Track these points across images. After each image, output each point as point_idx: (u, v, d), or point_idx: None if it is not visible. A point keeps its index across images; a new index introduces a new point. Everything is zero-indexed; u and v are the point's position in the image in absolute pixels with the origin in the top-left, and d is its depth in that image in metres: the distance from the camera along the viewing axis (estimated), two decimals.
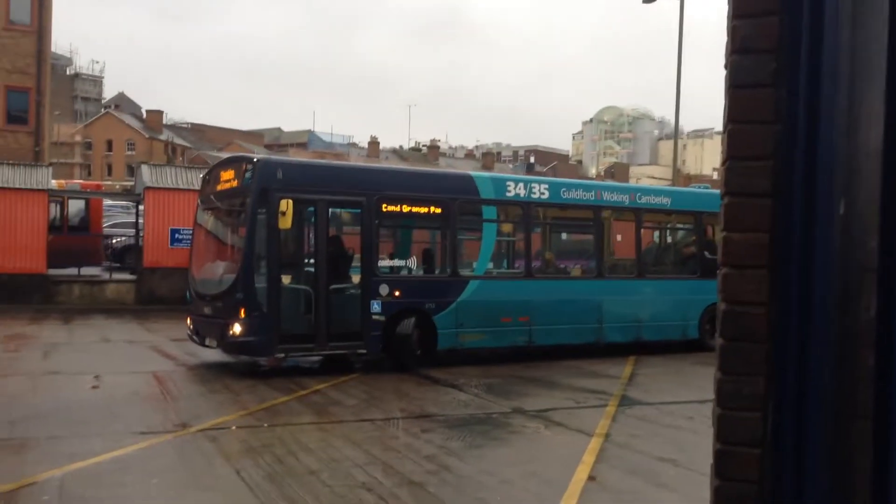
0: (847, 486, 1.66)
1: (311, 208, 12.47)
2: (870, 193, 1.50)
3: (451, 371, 12.49)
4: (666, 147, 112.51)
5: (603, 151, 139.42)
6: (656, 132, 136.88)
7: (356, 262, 12.78)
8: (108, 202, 31.16)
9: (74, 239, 24.86)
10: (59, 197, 25.27)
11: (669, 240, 18.06)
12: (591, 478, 6.87)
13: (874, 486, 1.49)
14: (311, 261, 12.61)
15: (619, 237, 16.57)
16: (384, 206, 12.80)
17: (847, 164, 1.63)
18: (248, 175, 11.97)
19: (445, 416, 9.45)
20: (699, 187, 19.88)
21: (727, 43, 1.90)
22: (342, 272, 12.63)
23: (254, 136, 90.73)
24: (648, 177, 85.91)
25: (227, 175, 12.77)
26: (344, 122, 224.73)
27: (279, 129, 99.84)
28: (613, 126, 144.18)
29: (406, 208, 13.52)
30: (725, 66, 1.92)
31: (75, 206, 26.47)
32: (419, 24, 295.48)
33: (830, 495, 1.67)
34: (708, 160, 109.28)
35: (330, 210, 12.66)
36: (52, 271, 21.72)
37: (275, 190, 11.60)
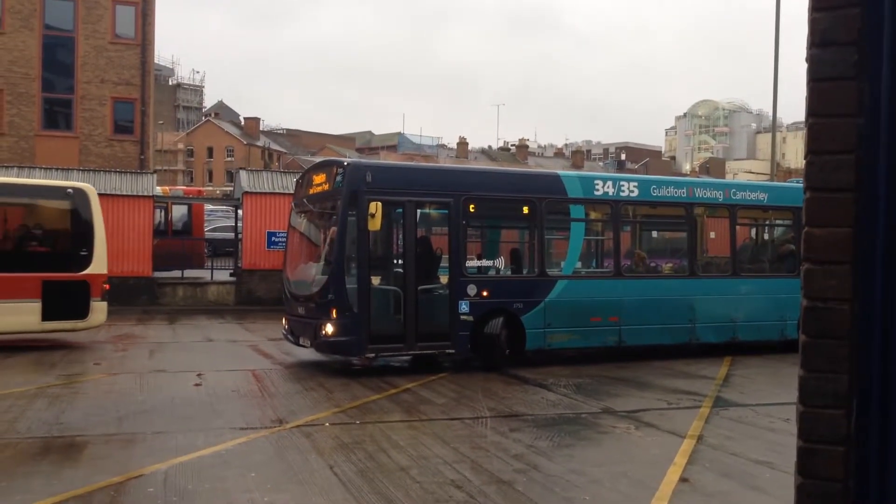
0: None
1: (400, 210, 12.65)
2: None
3: (540, 371, 12.46)
4: (764, 140, 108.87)
5: (697, 146, 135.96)
6: (753, 125, 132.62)
7: (444, 263, 12.89)
8: (209, 207, 32.44)
9: (178, 242, 25.98)
10: (164, 202, 26.43)
11: (766, 237, 17.49)
12: (682, 479, 6.76)
13: None
14: (400, 262, 12.80)
15: (712, 234, 16.17)
16: (471, 206, 12.88)
17: None
18: (338, 178, 12.25)
19: (534, 415, 9.45)
20: (797, 182, 19.17)
21: (808, 36, 1.88)
22: (430, 273, 12.77)
23: (346, 139, 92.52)
24: (746, 172, 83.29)
25: (319, 179, 13.10)
26: (433, 123, 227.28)
27: (370, 133, 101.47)
28: (708, 120, 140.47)
29: (493, 208, 13.56)
30: (806, 60, 1.90)
31: (178, 211, 27.64)
32: (507, 19, 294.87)
33: None
34: None
35: (418, 211, 12.81)
36: (158, 273, 22.74)
37: (364, 192, 11.84)
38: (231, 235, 27.28)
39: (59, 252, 14.74)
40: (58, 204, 14.76)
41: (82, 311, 14.11)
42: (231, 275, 24.37)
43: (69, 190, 14.63)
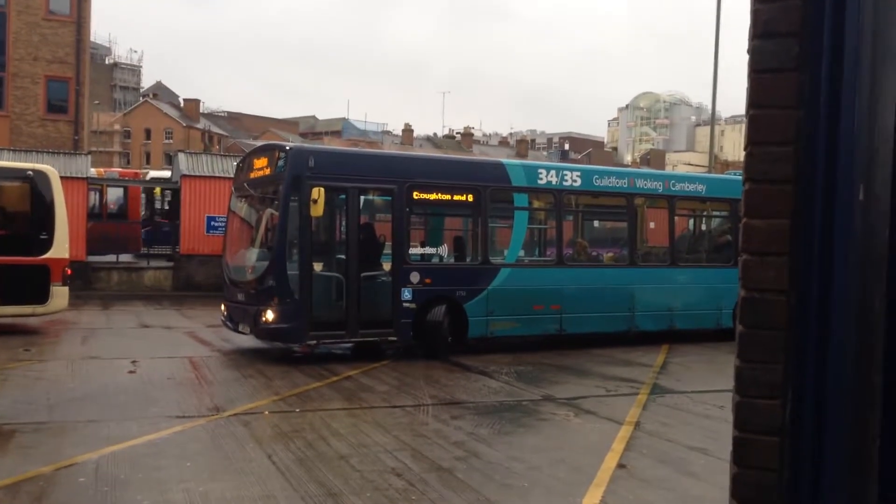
0: (865, 474, 1.65)
1: (343, 196, 12.52)
2: (885, 180, 1.47)
3: (482, 358, 12.51)
4: (703, 133, 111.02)
5: (639, 138, 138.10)
6: (693, 118, 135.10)
7: (387, 250, 12.83)
8: None
9: (113, 226, 25.32)
10: (99, 185, 25.73)
11: (704, 227, 17.86)
12: (619, 465, 6.86)
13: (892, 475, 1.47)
14: (343, 248, 12.68)
15: (652, 225, 16.43)
16: (415, 193, 12.82)
17: (867, 149, 1.61)
18: (280, 163, 12.07)
19: (475, 403, 9.48)
20: (734, 174, 19.60)
21: (749, 28, 1.88)
22: (373, 260, 12.69)
23: (289, 124, 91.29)
24: (685, 164, 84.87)
25: (261, 163, 12.89)
26: (378, 109, 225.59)
27: (314, 118, 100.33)
28: (649, 112, 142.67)
29: (437, 196, 13.53)
30: (748, 52, 1.90)
31: (114, 194, 26.96)
32: (455, 4, 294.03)
33: (849, 484, 1.65)
34: None
35: (361, 198, 12.71)
36: (92, 258, 22.12)
37: (307, 178, 11.68)
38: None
39: (18, 235, 14.39)
40: (17, 186, 14.37)
41: (42, 296, 13.84)
42: (168, 260, 23.87)
43: (29, 172, 14.26)
